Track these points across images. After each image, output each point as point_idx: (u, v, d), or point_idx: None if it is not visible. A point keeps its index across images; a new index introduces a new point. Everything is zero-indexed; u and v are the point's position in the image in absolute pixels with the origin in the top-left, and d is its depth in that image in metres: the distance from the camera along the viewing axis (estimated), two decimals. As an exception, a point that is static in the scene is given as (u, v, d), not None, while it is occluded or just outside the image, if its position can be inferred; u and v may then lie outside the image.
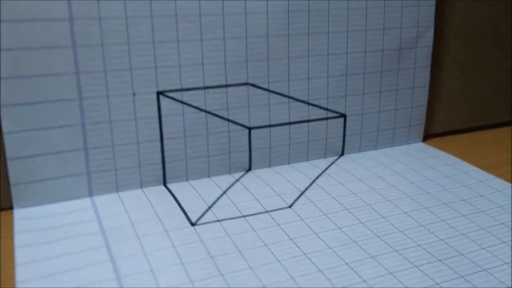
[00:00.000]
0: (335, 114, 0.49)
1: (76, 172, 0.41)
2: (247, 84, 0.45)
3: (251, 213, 0.39)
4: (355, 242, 0.36)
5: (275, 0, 0.44)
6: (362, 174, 0.46)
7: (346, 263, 0.33)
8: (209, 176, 0.46)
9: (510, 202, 0.42)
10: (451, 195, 0.43)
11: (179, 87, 0.43)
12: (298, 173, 0.46)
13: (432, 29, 0.51)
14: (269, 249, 0.35)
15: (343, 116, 0.50)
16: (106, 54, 0.40)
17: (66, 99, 0.39)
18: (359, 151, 0.52)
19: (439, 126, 0.57)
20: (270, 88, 0.46)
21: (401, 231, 0.37)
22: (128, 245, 0.35)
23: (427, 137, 0.56)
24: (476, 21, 0.55)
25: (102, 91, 0.40)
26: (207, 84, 0.44)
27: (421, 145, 0.54)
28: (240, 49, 0.44)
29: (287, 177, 0.46)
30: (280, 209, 0.40)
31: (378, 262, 0.34)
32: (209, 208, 0.40)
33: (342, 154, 0.51)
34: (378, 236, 0.37)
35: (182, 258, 0.34)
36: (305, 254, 0.34)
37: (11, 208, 0.40)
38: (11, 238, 0.36)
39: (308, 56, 0.47)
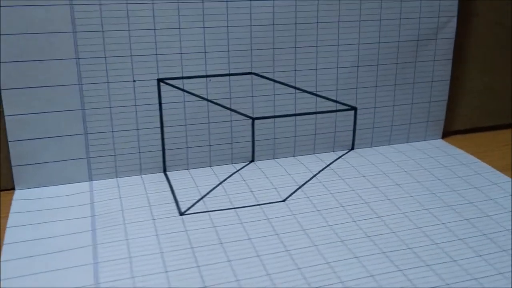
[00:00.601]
0: (345, 107, 0.47)
1: (76, 156, 0.42)
2: (250, 73, 0.44)
3: (242, 205, 0.39)
4: (342, 241, 0.35)
5: (281, -12, 0.43)
6: (367, 170, 0.45)
7: (327, 263, 0.32)
8: (210, 166, 0.45)
9: (523, 207, 0.39)
10: (457, 197, 0.40)
11: (180, 75, 0.43)
12: (301, 167, 0.45)
13: (455, 19, 0.48)
14: (252, 243, 0.34)
15: (354, 109, 0.48)
16: (106, 40, 0.40)
17: (66, 84, 0.40)
18: (371, 146, 0.50)
19: (462, 123, 0.54)
20: (275, 78, 0.45)
21: (394, 232, 0.36)
22: (113, 231, 0.35)
23: (448, 133, 0.53)
24: (507, 9, 0.51)
25: (102, 77, 0.41)
26: (209, 73, 0.43)
27: (440, 142, 0.51)
28: (244, 38, 0.43)
29: (288, 170, 0.44)
30: (273, 202, 0.39)
31: (361, 264, 0.32)
32: (201, 198, 0.40)
33: (352, 148, 0.49)
34: (368, 236, 0.35)
35: (162, 248, 0.33)
36: (288, 251, 0.33)
37: (13, 188, 0.41)
38: (6, 217, 0.37)
39: (317, 46, 0.45)
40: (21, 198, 0.40)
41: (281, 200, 0.40)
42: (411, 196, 0.40)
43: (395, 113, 0.49)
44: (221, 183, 0.42)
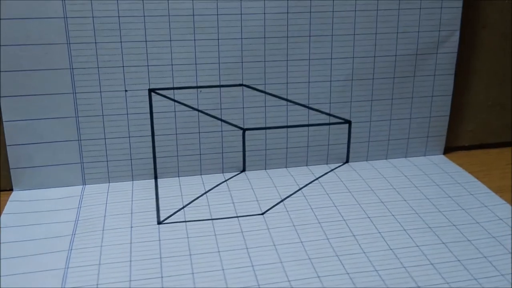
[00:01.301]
0: (338, 120, 0.47)
1: (70, 161, 0.44)
2: (241, 85, 0.45)
3: (220, 216, 0.39)
4: (310, 259, 0.35)
5: (272, 0, 0.43)
6: (355, 185, 0.44)
7: (288, 281, 0.32)
8: (201, 174, 0.46)
9: (509, 233, 0.38)
10: (441, 218, 0.39)
11: (171, 85, 0.44)
12: (289, 179, 0.45)
13: (458, 33, 0.47)
14: (220, 256, 0.35)
15: (348, 122, 0.47)
16: (99, 51, 0.42)
17: (60, 93, 0.42)
18: (367, 160, 0.49)
19: (466, 139, 0.52)
20: (267, 91, 0.45)
21: (364, 253, 0.35)
22: (90, 237, 0.37)
23: (451, 149, 0.52)
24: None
25: (95, 86, 0.42)
26: (200, 84, 0.44)
27: (440, 158, 0.50)
28: (234, 50, 0.44)
29: (276, 182, 0.45)
30: (252, 215, 0.40)
31: (322, 284, 0.32)
32: (183, 207, 0.41)
33: (347, 161, 0.49)
34: (337, 255, 0.35)
35: (132, 256, 0.35)
36: (252, 266, 0.34)
37: (11, 189, 0.44)
38: (-2, 218, 0.40)
39: (309, 59, 0.45)
40: (16, 199, 0.42)
41: (260, 213, 0.40)
42: (392, 215, 0.40)
43: (392, 128, 0.49)
44: (205, 193, 0.43)
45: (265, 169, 0.47)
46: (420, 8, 0.45)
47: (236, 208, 0.41)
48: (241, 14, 0.43)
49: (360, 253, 0.35)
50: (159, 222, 0.39)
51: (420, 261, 0.34)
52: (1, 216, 0.40)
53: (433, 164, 0.49)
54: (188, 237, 0.37)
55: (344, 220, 0.39)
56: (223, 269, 0.34)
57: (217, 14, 0.43)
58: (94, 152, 0.44)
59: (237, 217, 0.39)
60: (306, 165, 0.48)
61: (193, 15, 0.42)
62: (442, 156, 0.51)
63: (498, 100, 0.51)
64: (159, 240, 0.37)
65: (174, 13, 0.42)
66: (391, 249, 0.36)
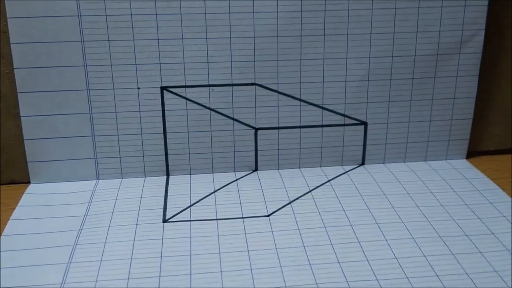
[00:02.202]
0: (354, 121, 0.46)
1: (84, 156, 0.45)
2: (254, 84, 0.44)
3: (226, 217, 0.39)
4: (310, 264, 0.34)
5: (285, 0, 0.42)
6: (368, 189, 0.43)
7: (285, 286, 0.32)
8: (212, 172, 0.46)
9: (525, 245, 0.36)
10: (454, 228, 0.38)
11: (183, 84, 0.44)
12: (301, 180, 0.45)
13: (483, 32, 0.44)
14: (220, 258, 0.35)
15: (364, 123, 0.46)
16: (112, 49, 0.42)
17: (75, 89, 0.43)
18: (383, 163, 0.48)
19: (491, 143, 0.50)
20: (280, 90, 0.45)
21: (367, 261, 0.34)
22: (96, 233, 0.37)
23: (475, 154, 0.49)
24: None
25: (108, 84, 0.43)
26: (211, 83, 0.44)
27: (462, 162, 0.48)
28: (247, 49, 0.43)
29: (286, 183, 0.44)
30: (257, 217, 0.39)
31: (318, 292, 0.31)
32: (189, 206, 0.41)
33: (363, 163, 0.48)
34: (339, 262, 0.34)
35: (133, 254, 0.35)
36: (251, 269, 0.33)
37: (29, 182, 0.45)
38: (12, 209, 0.41)
39: (324, 59, 0.44)
40: (32, 192, 0.43)
41: (266, 214, 0.40)
42: (402, 222, 0.38)
43: (410, 130, 0.47)
44: (214, 192, 0.43)
45: (278, 169, 0.47)
46: (442, 6, 0.43)
47: (242, 208, 0.40)
48: (253, 12, 0.42)
49: (363, 260, 0.34)
50: (164, 221, 0.39)
51: (425, 272, 0.33)
52: (16, 208, 0.41)
53: (453, 169, 0.47)
54: (191, 237, 0.37)
55: (351, 225, 0.38)
56: (221, 271, 0.33)
57: (229, 12, 0.42)
58: (108, 148, 0.45)
59: (242, 218, 0.39)
60: (320, 166, 0.47)
61: (205, 13, 0.42)
62: (465, 160, 0.48)
63: (527, 103, 0.49)
64: (162, 238, 0.37)
65: (186, 11, 0.42)
66: (396, 258, 0.34)
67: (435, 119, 0.47)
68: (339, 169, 0.47)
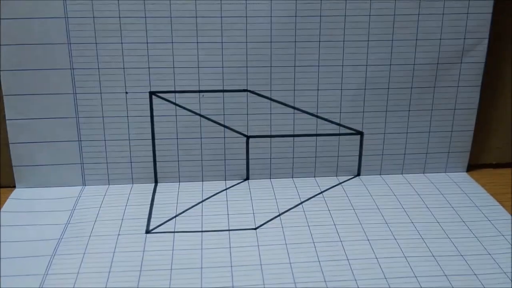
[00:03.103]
0: (349, 131, 0.44)
1: (70, 161, 0.43)
2: (246, 90, 0.43)
3: (211, 229, 0.38)
4: (295, 283, 0.32)
5: (279, 4, 0.40)
6: (361, 202, 0.41)
7: (266, 307, 0.31)
8: (202, 180, 0.45)
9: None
10: (449, 247, 0.36)
11: (172, 89, 0.42)
12: (293, 191, 0.43)
13: (486, 41, 0.43)
14: (201, 273, 0.33)
15: (360, 133, 0.44)
16: (100, 52, 0.41)
17: (61, 93, 0.41)
18: (380, 174, 0.46)
19: (493, 156, 0.48)
20: (273, 97, 0.43)
21: (355, 280, 0.33)
22: (76, 243, 0.36)
23: (476, 167, 0.48)
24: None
25: (95, 88, 0.42)
26: (202, 88, 0.42)
27: (462, 175, 0.46)
28: (239, 54, 0.42)
29: (277, 194, 0.43)
30: (244, 229, 0.38)
31: (301, 313, 0.30)
32: (174, 216, 0.39)
33: (358, 174, 0.46)
34: (325, 281, 0.33)
35: (113, 267, 0.34)
36: (232, 287, 0.32)
37: (14, 186, 0.44)
38: (-6, 216, 0.40)
39: (318, 66, 0.42)
40: (16, 197, 0.42)
41: (253, 227, 0.38)
42: (395, 239, 0.37)
43: (409, 141, 0.45)
44: (201, 202, 0.41)
45: (270, 178, 0.45)
46: (443, 14, 0.42)
47: (229, 220, 0.39)
48: (246, 16, 0.41)
49: (351, 280, 0.33)
50: (147, 231, 0.38)
51: (414, 294, 0.32)
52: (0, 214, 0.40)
53: (452, 183, 0.45)
54: (173, 250, 0.36)
55: (341, 241, 0.36)
56: (201, 287, 0.32)
57: (221, 16, 0.41)
58: (94, 153, 0.43)
59: (228, 230, 0.38)
60: (314, 177, 0.46)
61: (196, 16, 0.41)
62: (465, 173, 0.47)
63: (532, 115, 0.47)
64: (143, 251, 0.35)
65: (176, 14, 0.40)
66: (385, 278, 0.33)
67: (434, 130, 0.45)
68: (334, 180, 0.45)
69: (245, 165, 0.45)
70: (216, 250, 0.35)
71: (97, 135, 0.43)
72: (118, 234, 0.37)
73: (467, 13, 0.42)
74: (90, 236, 0.37)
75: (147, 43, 0.41)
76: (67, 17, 0.40)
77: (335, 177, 0.46)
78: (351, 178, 0.46)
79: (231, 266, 0.34)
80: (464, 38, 0.43)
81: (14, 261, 0.34)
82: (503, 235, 0.37)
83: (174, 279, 0.33)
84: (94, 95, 0.42)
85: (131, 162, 0.44)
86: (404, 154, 0.46)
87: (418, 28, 0.42)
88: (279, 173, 0.45)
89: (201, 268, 0.34)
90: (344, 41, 0.42)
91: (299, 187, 0.44)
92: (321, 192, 0.43)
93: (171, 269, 0.34)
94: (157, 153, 0.44)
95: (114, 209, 0.40)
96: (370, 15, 0.41)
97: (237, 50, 0.41)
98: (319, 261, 0.34)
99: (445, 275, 0.33)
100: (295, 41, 0.42)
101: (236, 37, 0.41)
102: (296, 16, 0.41)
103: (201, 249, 0.36)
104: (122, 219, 0.39)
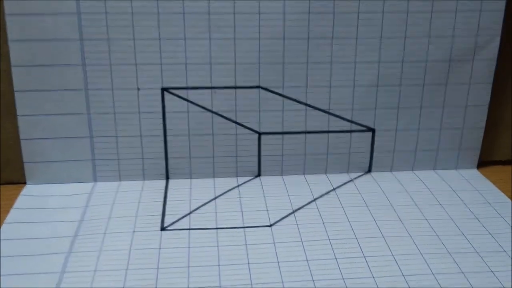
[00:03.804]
0: (361, 128, 0.44)
1: (81, 158, 0.43)
2: (258, 87, 0.43)
3: (226, 226, 0.38)
4: (313, 280, 0.32)
5: (292, 1, 0.40)
6: (374, 199, 0.41)
7: (286, 304, 0.31)
8: (214, 177, 0.45)
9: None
10: (464, 243, 0.36)
11: (184, 85, 0.42)
12: (305, 187, 0.43)
13: (498, 39, 0.43)
14: (219, 270, 0.33)
15: (371, 130, 0.45)
16: (112, 48, 0.40)
17: (73, 89, 0.41)
18: (391, 171, 0.46)
19: (504, 153, 0.48)
20: (285, 94, 0.43)
21: (373, 277, 0.33)
22: (91, 240, 0.36)
23: (487, 163, 0.48)
24: None
25: (107, 84, 0.41)
26: (214, 85, 0.42)
27: (473, 172, 0.46)
28: (252, 50, 0.41)
29: (290, 190, 0.43)
30: (259, 226, 0.38)
31: (321, 311, 0.30)
32: (189, 213, 0.39)
33: (369, 171, 0.46)
34: (343, 279, 0.33)
35: (129, 264, 0.34)
36: (251, 285, 0.32)
37: (25, 182, 0.44)
38: (6, 212, 0.40)
39: (331, 62, 0.42)
40: (28, 193, 0.42)
41: (268, 224, 0.38)
42: (410, 235, 0.37)
43: (420, 138, 0.45)
44: (214, 198, 0.41)
45: (282, 175, 0.45)
46: (456, 11, 0.42)
47: (244, 217, 0.39)
48: (259, 13, 0.41)
49: (369, 277, 0.33)
50: (162, 228, 0.37)
51: (433, 291, 0.32)
52: (11, 211, 0.39)
53: (463, 180, 0.45)
54: (189, 247, 0.35)
55: (357, 238, 0.37)
56: (220, 286, 0.32)
57: (234, 13, 0.40)
58: (106, 149, 0.43)
59: (243, 227, 0.38)
60: (325, 173, 0.46)
61: (209, 13, 0.40)
62: (475, 170, 0.47)
63: (542, 112, 0.47)
64: (159, 248, 0.35)
65: (189, 10, 0.40)
66: (403, 275, 0.33)
67: (445, 127, 0.45)
68: (345, 177, 0.45)
69: (257, 162, 0.45)
70: (232, 247, 0.35)
71: (109, 131, 0.43)
72: (133, 231, 0.37)
73: (480, 11, 0.42)
74: (105, 233, 0.37)
75: (159, 39, 0.41)
76: (80, 13, 0.39)
77: (346, 173, 0.46)
78: (362, 175, 0.46)
79: (248, 264, 0.34)
80: (477, 36, 0.43)
81: (29, 259, 0.34)
82: (516, 232, 0.38)
83: (192, 276, 0.33)
84: (106, 92, 0.42)
85: (142, 159, 0.44)
86: (415, 150, 0.46)
87: (431, 25, 0.42)
88: (291, 169, 0.45)
89: (219, 265, 0.34)
90: (357, 38, 0.42)
91: (311, 184, 0.44)
92: (334, 189, 0.43)
93: (188, 267, 0.34)
94: (169, 149, 0.44)
95: (127, 206, 0.40)
96: (383, 12, 0.41)
97: (250, 47, 0.41)
98: (335, 259, 0.35)
99: (462, 272, 0.33)
100: (308, 38, 0.41)
101: (249, 33, 0.41)
102: (309, 13, 0.41)
103: (217, 246, 0.36)
104: (136, 216, 0.39)
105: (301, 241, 0.36)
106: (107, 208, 0.40)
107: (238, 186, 0.44)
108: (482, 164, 0.47)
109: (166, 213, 0.39)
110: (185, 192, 0.42)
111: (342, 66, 0.42)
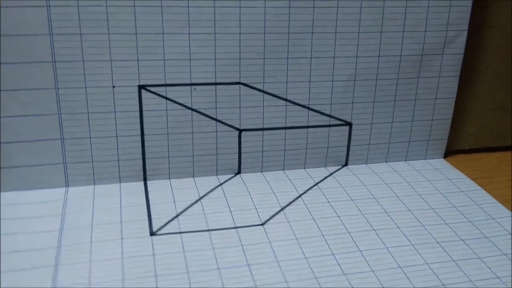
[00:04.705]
0: (339, 122, 0.45)
1: (52, 162, 0.40)
2: (238, 83, 0.42)
3: (218, 227, 0.37)
4: (316, 278, 0.32)
5: (274, -6, 0.40)
6: (357, 192, 0.42)
7: (295, 304, 0.30)
8: (193, 176, 0.44)
9: (518, 248, 0.36)
10: (450, 232, 0.38)
11: (162, 82, 0.40)
12: (288, 183, 0.43)
13: (466, 33, 0.45)
14: (220, 274, 0.32)
15: (349, 124, 0.45)
16: (85, 43, 0.38)
17: (42, 88, 0.38)
18: (366, 163, 0.47)
19: (467, 142, 0.51)
20: (265, 90, 0.42)
21: (373, 271, 0.33)
22: (78, 251, 0.34)
23: (451, 152, 0.50)
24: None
25: (79, 82, 0.39)
26: (194, 81, 0.41)
27: (441, 162, 0.48)
28: (232, 45, 0.40)
29: (274, 187, 0.42)
30: (251, 226, 0.37)
31: (331, 308, 0.30)
32: (176, 216, 0.38)
33: (346, 164, 0.47)
34: (345, 274, 0.33)
35: (124, 274, 0.32)
36: (255, 286, 0.32)
37: (-12, 191, 0.40)
38: (-27, 225, 0.36)
39: (311, 57, 0.42)
40: (-7, 203, 0.39)
41: (260, 223, 0.38)
42: (398, 227, 0.38)
43: (393, 130, 0.47)
44: (200, 199, 0.40)
45: (262, 171, 0.45)
46: (428, 6, 0.43)
47: (234, 217, 0.38)
48: (240, 7, 0.40)
49: (369, 271, 0.33)
50: (152, 233, 0.36)
51: (432, 281, 0.33)
52: (-23, 224, 0.36)
53: (434, 169, 0.47)
54: (184, 251, 0.34)
55: (349, 232, 0.37)
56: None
57: (214, 7, 0.39)
58: (78, 152, 0.40)
59: (235, 228, 0.37)
60: (304, 168, 0.46)
61: (188, 6, 0.39)
62: (443, 160, 0.49)
63: (502, 104, 0.50)
64: (153, 254, 0.34)
65: (167, 3, 0.38)
66: (400, 267, 0.34)
67: (417, 119, 0.47)
68: (323, 171, 0.46)
69: (237, 159, 0.44)
70: (228, 249, 0.35)
71: (82, 133, 0.40)
72: (121, 238, 0.35)
73: (450, 6, 0.44)
74: (91, 242, 0.34)
75: (136, 33, 0.39)
76: (49, 6, 0.36)
77: (324, 167, 0.46)
78: (340, 168, 0.46)
79: (248, 265, 0.33)
80: (447, 30, 0.44)
81: (15, 274, 0.31)
82: (493, 218, 0.40)
83: (193, 282, 0.31)
84: (78, 90, 0.39)
85: (118, 160, 0.41)
86: (389, 143, 0.47)
87: (405, 20, 0.43)
88: (271, 165, 0.45)
89: (218, 268, 0.33)
90: (336, 32, 0.42)
91: (292, 179, 0.44)
92: (316, 184, 0.43)
93: (187, 272, 0.32)
94: (146, 149, 0.42)
95: (109, 211, 0.38)
96: (361, 7, 0.42)
97: (230, 42, 0.40)
98: (333, 254, 0.35)
99: (453, 260, 0.35)
100: (289, 32, 0.41)
101: (230, 28, 0.40)
102: (290, 7, 0.40)
103: (213, 248, 0.35)
104: (121, 222, 0.37)
105: (296, 238, 0.36)
106: (87, 215, 0.37)
107: (220, 184, 0.43)
108: (447, 153, 0.50)
109: (153, 217, 0.38)
110: (167, 193, 0.41)
111: (322, 61, 0.42)
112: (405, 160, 0.48)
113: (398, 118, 0.46)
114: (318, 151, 0.45)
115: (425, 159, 0.49)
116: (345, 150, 0.46)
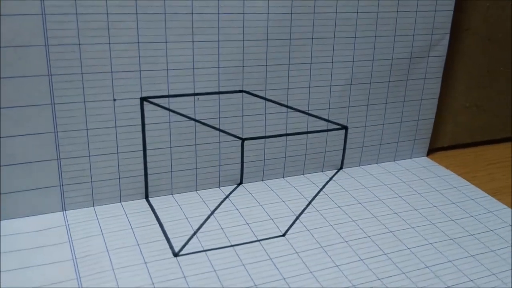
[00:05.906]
0: (336, 126, 0.45)
1: (47, 185, 0.37)
2: (241, 91, 0.41)
3: (240, 241, 0.36)
4: (353, 285, 0.32)
5: (276, 0, 0.39)
6: (362, 195, 0.43)
7: (344, 314, 0.30)
8: (196, 190, 0.42)
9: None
10: (458, 228, 0.39)
11: (165, 93, 0.38)
12: (293, 191, 0.43)
13: (448, 36, 0.47)
14: (259, 290, 0.31)
15: (345, 128, 0.46)
16: (83, 54, 0.35)
17: (37, 104, 0.35)
18: (359, 165, 0.48)
19: (445, 140, 0.53)
20: (267, 97, 0.42)
21: (404, 273, 0.34)
22: (102, 280, 0.31)
23: (432, 150, 0.52)
24: (499, 24, 0.50)
25: (77, 96, 0.36)
26: (197, 91, 0.39)
27: (425, 160, 0.50)
28: (235, 53, 0.39)
29: (281, 196, 0.42)
30: (273, 237, 0.36)
31: (380, 314, 0.30)
32: (194, 233, 0.36)
33: (341, 168, 0.47)
34: (379, 279, 0.33)
35: (161, 300, 0.30)
36: (299, 300, 0.31)
37: (-28, 222, 0.36)
38: (-32, 263, 0.32)
39: (311, 63, 0.42)
40: (-16, 235, 0.35)
41: (281, 234, 0.37)
42: (412, 227, 0.39)
43: (384, 132, 0.48)
44: (212, 213, 0.39)
45: (263, 180, 0.44)
46: (417, 11, 0.45)
47: (252, 229, 0.37)
48: (243, 13, 0.39)
49: (400, 274, 0.34)
50: (175, 254, 0.34)
51: (458, 278, 0.34)
52: (-27, 261, 0.32)
53: (421, 167, 0.49)
54: (215, 270, 0.33)
55: (369, 236, 0.37)
56: (268, 307, 0.30)
57: (218, 13, 0.38)
58: (76, 172, 0.37)
59: (258, 241, 0.36)
60: (303, 174, 0.45)
61: (192, 13, 0.37)
62: (426, 158, 0.51)
63: (475, 102, 0.53)
64: (184, 276, 0.32)
65: (170, 11, 0.36)
66: (427, 267, 0.35)
67: (404, 120, 0.48)
68: (322, 176, 0.46)
69: (239, 169, 0.43)
70: (260, 264, 0.33)
71: (80, 151, 0.37)
72: (145, 262, 0.33)
73: (435, 10, 0.45)
74: (113, 269, 0.32)
75: (138, 43, 0.36)
76: (44, 14, 0.33)
77: (322, 172, 0.46)
78: (336, 172, 0.47)
79: (284, 278, 0.32)
80: (432, 34, 0.46)
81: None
82: (491, 212, 0.42)
83: (235, 302, 0.30)
84: (76, 105, 0.36)
85: (119, 178, 0.39)
86: (380, 144, 0.48)
87: (396, 24, 0.44)
88: (271, 174, 0.44)
89: (256, 286, 0.32)
90: (334, 37, 0.42)
91: (297, 186, 0.43)
92: (321, 189, 0.43)
93: (226, 292, 0.31)
94: (148, 164, 0.39)
95: (121, 233, 0.35)
96: (357, 12, 0.42)
97: (234, 49, 0.39)
98: (361, 260, 0.35)
99: (472, 256, 0.36)
100: (290, 38, 0.41)
101: (233, 35, 0.39)
102: (292, 13, 0.40)
103: (243, 264, 0.33)
104: (138, 244, 0.34)
105: (321, 247, 0.36)
106: (97, 240, 0.34)
107: (227, 197, 0.41)
108: (429, 151, 0.52)
109: (170, 236, 0.35)
110: (175, 210, 0.39)
111: (321, 66, 0.42)
112: (394, 160, 0.49)
113: (389, 120, 0.47)
114: (316, 156, 0.45)
115: (410, 158, 0.50)
116: (340, 154, 0.46)
